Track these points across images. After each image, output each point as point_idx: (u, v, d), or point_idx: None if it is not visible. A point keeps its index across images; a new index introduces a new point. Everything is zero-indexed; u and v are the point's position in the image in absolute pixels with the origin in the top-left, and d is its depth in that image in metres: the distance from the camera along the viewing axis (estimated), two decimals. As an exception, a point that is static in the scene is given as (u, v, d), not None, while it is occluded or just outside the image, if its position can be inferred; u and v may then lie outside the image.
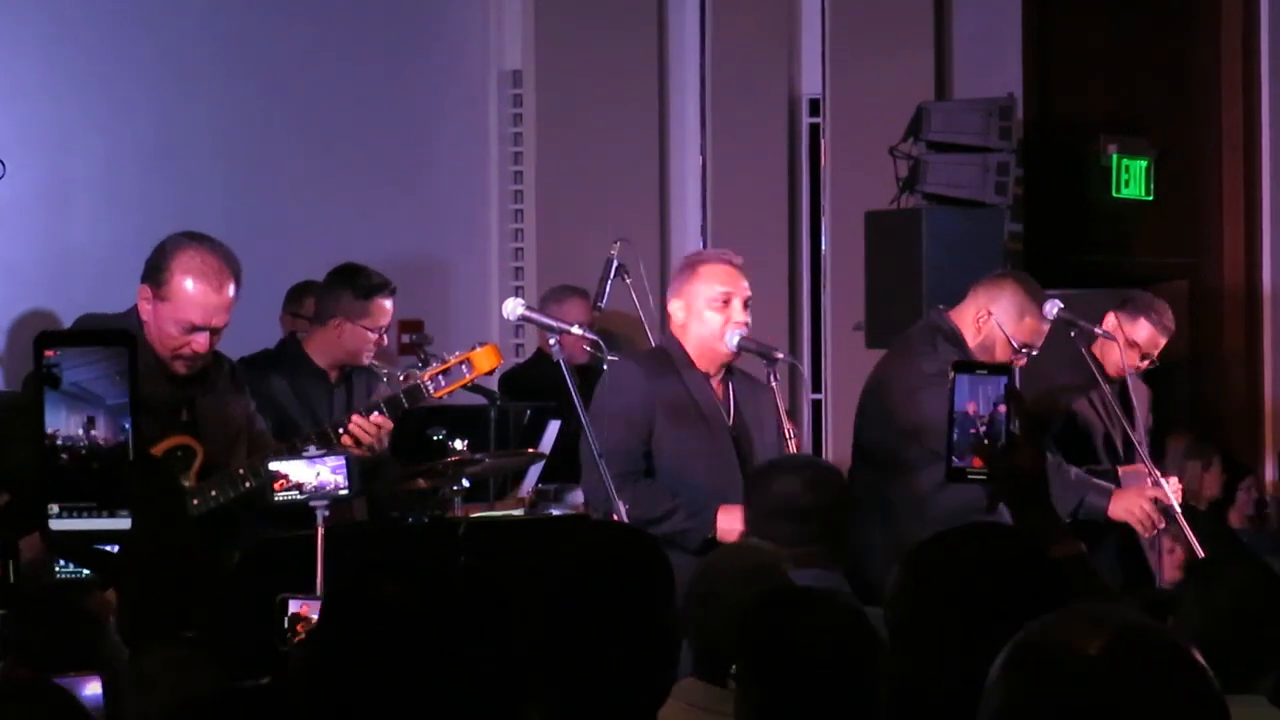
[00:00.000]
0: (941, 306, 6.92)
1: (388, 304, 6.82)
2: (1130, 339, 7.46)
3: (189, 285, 5.57)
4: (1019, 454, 3.37)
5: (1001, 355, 6.60)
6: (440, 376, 5.76)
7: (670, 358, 6.05)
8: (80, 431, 2.68)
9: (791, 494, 4.72)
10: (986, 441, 3.37)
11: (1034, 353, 6.72)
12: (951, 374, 3.44)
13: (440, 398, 5.82)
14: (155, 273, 5.62)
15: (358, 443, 5.69)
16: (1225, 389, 11.42)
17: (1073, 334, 7.13)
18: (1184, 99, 11.47)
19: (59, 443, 2.69)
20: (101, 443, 2.68)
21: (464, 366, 5.77)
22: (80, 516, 2.70)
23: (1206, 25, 11.46)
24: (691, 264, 6.16)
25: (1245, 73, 11.41)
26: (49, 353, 2.68)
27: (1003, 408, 3.40)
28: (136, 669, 2.65)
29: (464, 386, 5.85)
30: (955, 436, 3.41)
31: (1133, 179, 10.92)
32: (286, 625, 4.22)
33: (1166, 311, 7.67)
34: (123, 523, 2.69)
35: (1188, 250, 11.50)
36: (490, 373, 5.92)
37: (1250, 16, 11.36)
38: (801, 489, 4.73)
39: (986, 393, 3.41)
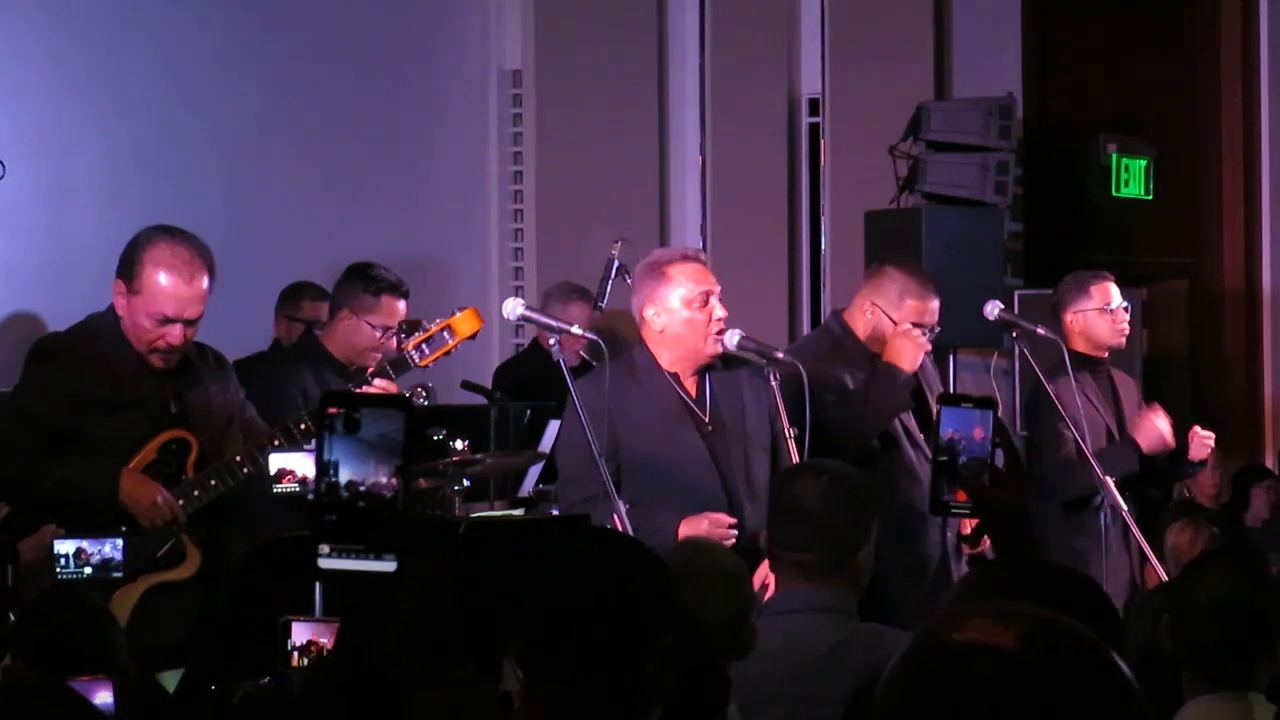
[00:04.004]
0: (839, 308, 6.89)
1: (399, 305, 6.80)
2: (1101, 308, 7.51)
3: (161, 278, 5.58)
4: (1003, 487, 3.34)
5: None
6: (424, 345, 5.76)
7: (635, 365, 5.95)
8: (385, 480, 2.89)
9: (801, 496, 4.52)
10: (969, 473, 3.35)
11: (931, 333, 6.60)
12: (936, 407, 3.42)
13: (426, 366, 5.80)
14: (128, 266, 5.63)
15: None
16: (1225, 389, 11.42)
17: (1014, 334, 7.10)
18: (1184, 99, 11.47)
19: (362, 489, 2.88)
20: (378, 488, 2.89)
21: (446, 333, 5.76)
22: (348, 558, 2.88)
23: (1206, 26, 11.46)
24: (658, 266, 5.97)
25: (1245, 73, 11.42)
26: (332, 410, 2.92)
27: (986, 441, 3.37)
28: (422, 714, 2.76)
29: (448, 353, 5.83)
30: (938, 468, 3.39)
31: (1132, 179, 10.93)
32: (292, 650, 4.18)
33: (1086, 273, 7.71)
34: (388, 565, 2.86)
35: (1188, 250, 11.50)
36: (473, 336, 5.88)
37: (1250, 17, 11.37)
38: (812, 492, 4.51)
39: (971, 425, 3.39)
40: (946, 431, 3.36)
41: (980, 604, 2.10)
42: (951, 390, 8.47)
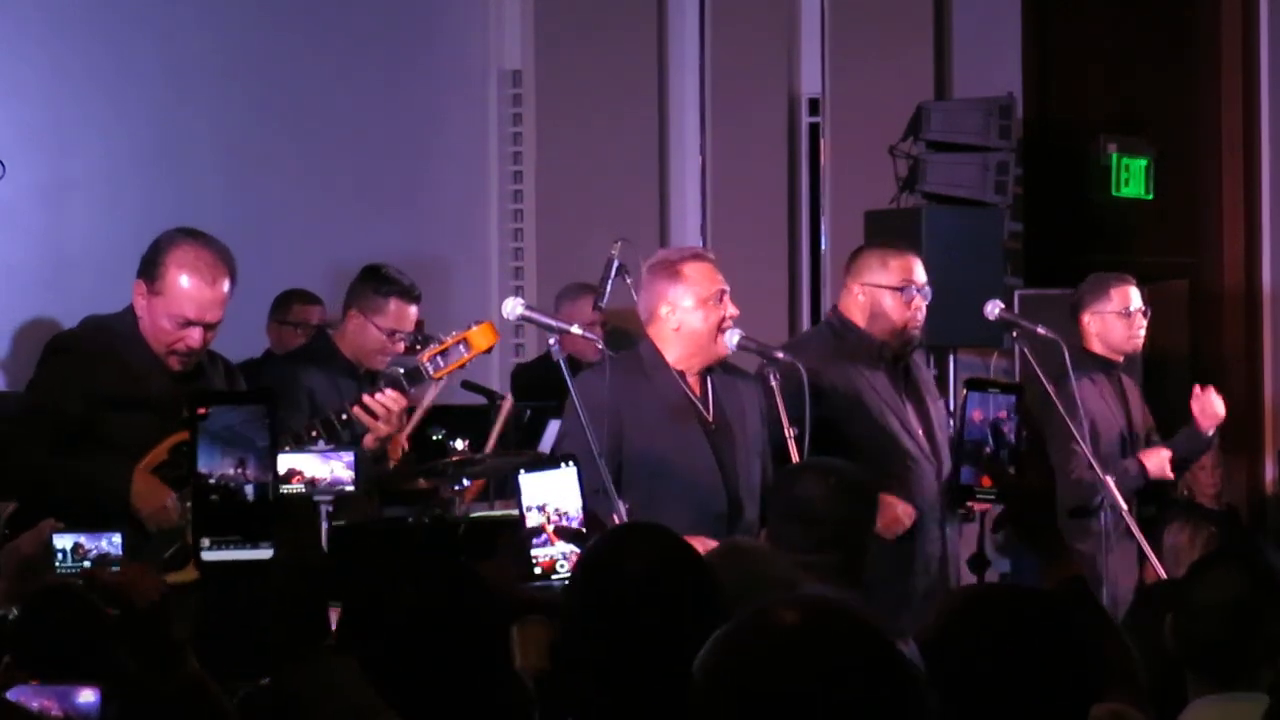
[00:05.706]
0: (836, 304, 6.87)
1: (410, 309, 6.78)
2: (1120, 311, 7.56)
3: (183, 280, 5.59)
4: (1029, 473, 3.33)
5: (895, 313, 6.48)
6: (439, 357, 5.76)
7: (642, 361, 5.97)
8: (233, 471, 3.04)
9: (809, 497, 4.56)
10: (993, 457, 3.34)
11: (922, 290, 6.54)
12: (963, 391, 3.41)
13: (440, 378, 5.81)
14: (150, 268, 5.64)
15: (373, 415, 5.74)
16: (1225, 389, 11.36)
17: (1014, 334, 7.08)
18: (1184, 99, 11.46)
19: (211, 482, 3.04)
20: (252, 480, 3.05)
21: (461, 346, 5.77)
22: (228, 548, 3.04)
23: (1206, 25, 11.45)
24: (671, 265, 6.01)
25: (1245, 73, 11.40)
26: (201, 410, 3.08)
27: (1010, 425, 3.36)
28: (282, 685, 2.91)
29: (462, 366, 5.83)
30: (963, 453, 3.38)
31: (1133, 178, 10.92)
32: None
33: (1109, 275, 7.74)
34: (265, 553, 3.02)
35: (1188, 250, 11.49)
36: (488, 350, 5.89)
37: (1250, 16, 11.36)
38: (819, 493, 4.56)
39: (996, 409, 3.38)
40: (971, 416, 3.35)
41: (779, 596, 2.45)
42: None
